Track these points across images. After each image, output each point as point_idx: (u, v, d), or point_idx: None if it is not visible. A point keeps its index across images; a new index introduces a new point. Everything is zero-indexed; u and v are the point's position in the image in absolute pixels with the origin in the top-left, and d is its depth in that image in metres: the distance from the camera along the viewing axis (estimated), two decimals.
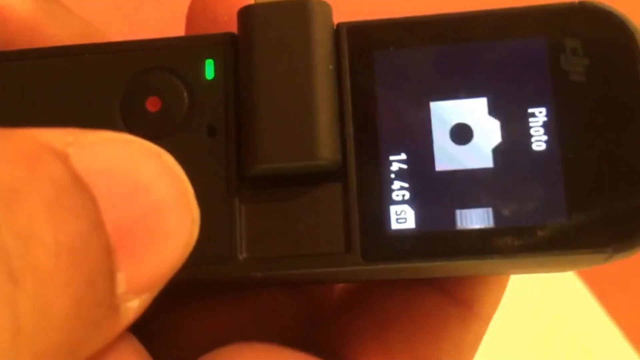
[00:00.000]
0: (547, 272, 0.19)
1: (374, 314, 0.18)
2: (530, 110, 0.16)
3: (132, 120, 0.16)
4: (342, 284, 0.20)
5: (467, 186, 0.15)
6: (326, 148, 0.15)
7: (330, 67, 0.16)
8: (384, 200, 0.16)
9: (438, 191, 0.16)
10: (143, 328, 0.14)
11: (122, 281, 0.12)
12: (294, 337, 0.18)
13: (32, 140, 0.12)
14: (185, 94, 0.16)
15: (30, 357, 0.10)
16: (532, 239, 0.15)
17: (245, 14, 0.16)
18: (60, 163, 0.12)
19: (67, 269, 0.11)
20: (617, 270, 0.16)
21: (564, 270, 0.17)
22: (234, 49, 0.16)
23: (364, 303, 0.19)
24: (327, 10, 0.16)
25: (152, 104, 0.16)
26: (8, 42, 0.17)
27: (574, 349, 0.44)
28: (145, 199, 0.12)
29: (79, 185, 0.12)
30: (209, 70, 0.16)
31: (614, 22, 0.16)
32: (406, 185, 0.16)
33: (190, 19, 0.20)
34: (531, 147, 0.16)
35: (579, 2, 0.16)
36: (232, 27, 0.17)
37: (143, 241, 0.12)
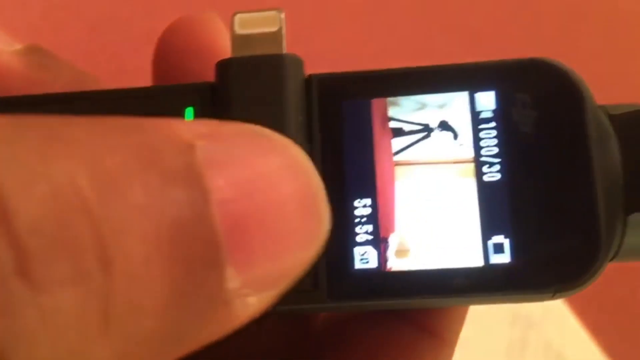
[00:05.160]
0: (501, 303, 0.20)
1: (353, 349, 0.19)
2: (482, 159, 0.17)
3: None
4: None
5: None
6: None
7: (300, 118, 0.17)
8: (348, 242, 0.17)
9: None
10: None
11: (234, 275, 0.12)
12: None
13: (157, 131, 0.12)
14: None
15: (120, 339, 0.11)
16: (481, 280, 0.16)
17: (224, 65, 0.17)
18: (177, 154, 0.11)
19: (163, 258, 0.11)
20: None
21: (516, 303, 0.19)
22: (212, 97, 0.17)
23: (344, 338, 0.20)
24: (299, 64, 0.17)
25: None
26: (5, 92, 0.19)
27: (548, 357, 0.45)
28: (263, 194, 0.12)
29: (191, 176, 0.11)
30: (189, 116, 0.17)
31: (560, 76, 0.17)
32: (370, 228, 0.17)
33: (158, 63, 0.21)
34: None
35: (529, 59, 0.17)
36: (202, 76, 0.18)
37: (258, 237, 0.12)
